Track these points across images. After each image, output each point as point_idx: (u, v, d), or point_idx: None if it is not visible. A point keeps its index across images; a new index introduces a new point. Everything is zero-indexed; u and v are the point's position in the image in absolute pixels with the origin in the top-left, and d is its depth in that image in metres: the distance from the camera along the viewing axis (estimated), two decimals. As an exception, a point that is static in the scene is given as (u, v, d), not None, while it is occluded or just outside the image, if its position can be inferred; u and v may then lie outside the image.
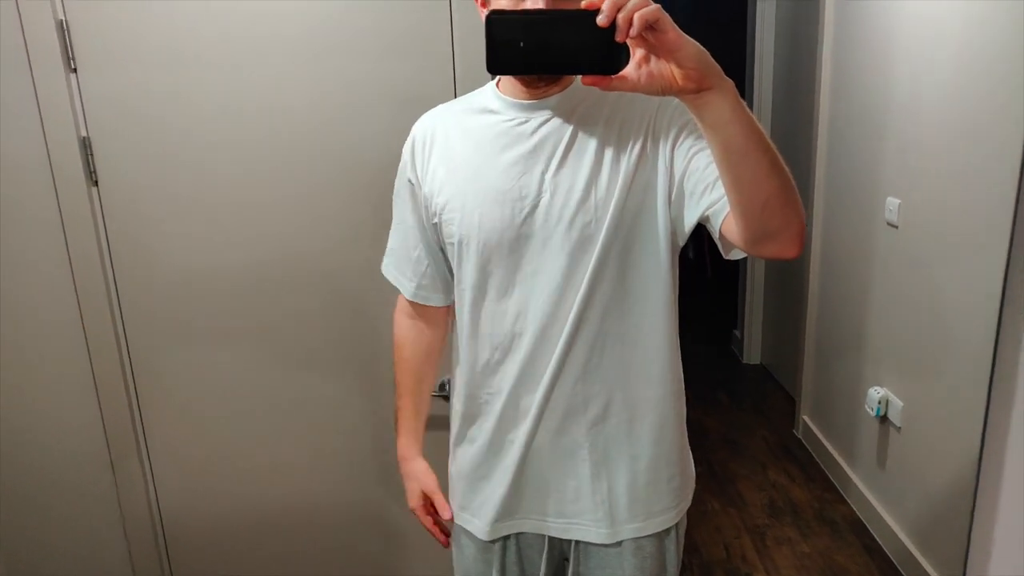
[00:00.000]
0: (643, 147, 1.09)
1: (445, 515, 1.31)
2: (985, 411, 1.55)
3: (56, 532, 1.77)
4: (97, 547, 1.79)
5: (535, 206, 1.10)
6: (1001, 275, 1.56)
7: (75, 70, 1.51)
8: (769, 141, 0.90)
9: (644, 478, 1.21)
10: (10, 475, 1.72)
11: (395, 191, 1.29)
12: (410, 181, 1.23)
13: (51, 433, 1.71)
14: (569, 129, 1.10)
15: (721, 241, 1.07)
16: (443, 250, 1.25)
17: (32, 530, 1.77)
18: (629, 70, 0.85)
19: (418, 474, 1.35)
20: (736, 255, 1.09)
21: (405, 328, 1.36)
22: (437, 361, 1.37)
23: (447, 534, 1.35)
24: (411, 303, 1.32)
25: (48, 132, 1.53)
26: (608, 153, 1.09)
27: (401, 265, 1.31)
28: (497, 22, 0.87)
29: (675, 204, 1.10)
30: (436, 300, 1.31)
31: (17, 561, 1.78)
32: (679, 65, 0.83)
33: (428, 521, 1.35)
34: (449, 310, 1.32)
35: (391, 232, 1.32)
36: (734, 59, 3.86)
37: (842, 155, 2.92)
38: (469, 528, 1.29)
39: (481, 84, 1.20)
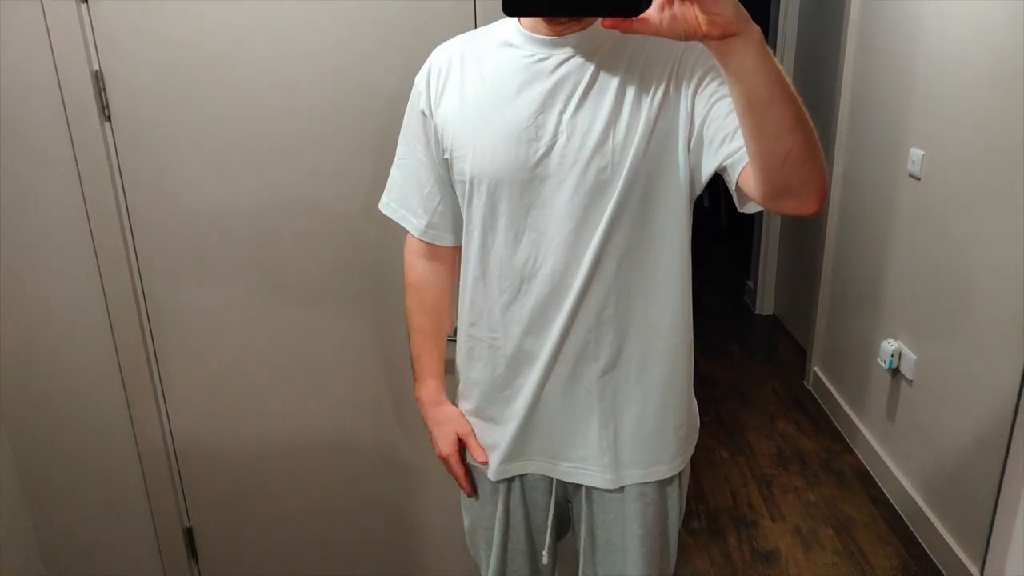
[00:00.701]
0: (666, 91, 1.06)
1: (480, 459, 1.28)
2: (1022, 377, 1.51)
3: (73, 468, 1.81)
4: (114, 482, 1.83)
5: (551, 147, 1.08)
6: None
7: (86, 1, 1.48)
8: (794, 92, 0.87)
9: (650, 425, 1.21)
10: (27, 412, 1.75)
11: (404, 124, 1.25)
12: (423, 112, 1.19)
13: (67, 371, 1.73)
14: (590, 69, 1.07)
15: (737, 193, 1.05)
16: (454, 188, 1.22)
17: (51, 467, 1.80)
18: (651, 12, 0.82)
19: (452, 417, 1.31)
20: (751, 208, 1.07)
21: (421, 269, 1.32)
22: (453, 303, 1.35)
23: (473, 484, 1.34)
24: (423, 243, 1.29)
25: (59, 65, 1.50)
26: (629, 96, 1.06)
27: (408, 201, 1.27)
28: None
29: (693, 151, 1.07)
30: (447, 239, 1.28)
31: (38, 497, 1.82)
32: (703, 9, 0.79)
33: (461, 470, 1.31)
34: (458, 251, 1.29)
35: (394, 168, 1.28)
36: (759, 4, 3.75)
37: (866, 104, 2.86)
38: (477, 468, 1.30)
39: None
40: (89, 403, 1.76)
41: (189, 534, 1.89)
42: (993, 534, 1.59)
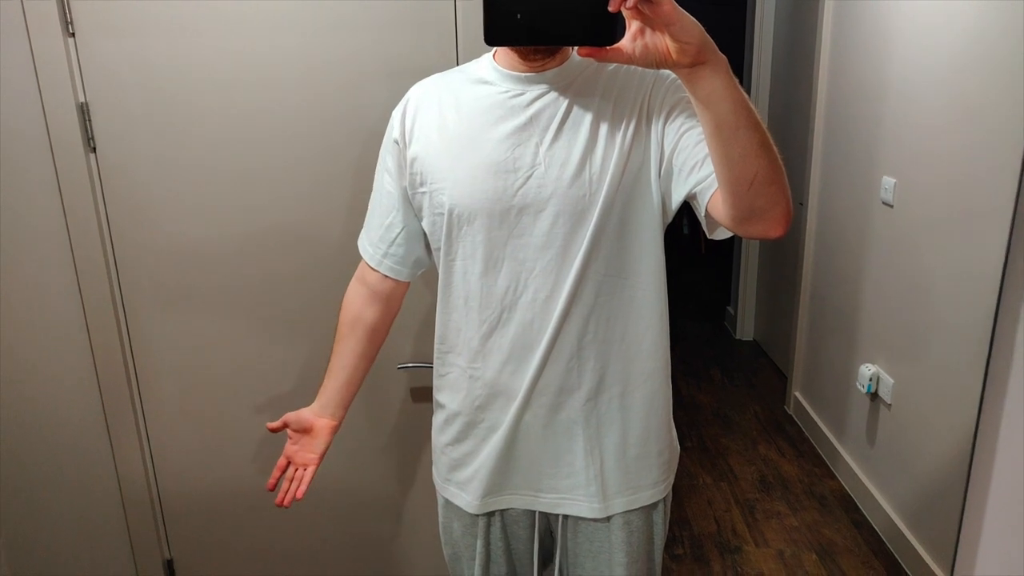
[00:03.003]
0: (638, 123, 1.09)
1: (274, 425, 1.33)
2: (981, 392, 1.56)
3: (53, 498, 1.79)
4: (94, 512, 1.80)
5: (528, 178, 1.10)
6: (1002, 253, 1.57)
7: (73, 34, 1.50)
8: (759, 120, 0.91)
9: (634, 451, 1.22)
10: (6, 441, 1.73)
11: (380, 159, 1.27)
12: (396, 142, 1.20)
13: (48, 399, 1.71)
14: (564, 103, 1.10)
15: (706, 220, 1.08)
16: (420, 221, 1.23)
17: (29, 497, 1.78)
18: (624, 42, 0.86)
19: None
20: (720, 234, 1.10)
21: (364, 298, 1.32)
22: (382, 342, 1.37)
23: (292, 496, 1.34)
24: (376, 273, 1.30)
25: (46, 97, 1.52)
26: (603, 128, 1.09)
27: (371, 232, 1.29)
28: None
29: (663, 180, 1.11)
30: (401, 274, 1.30)
31: (15, 528, 1.80)
32: (674, 38, 0.83)
33: (283, 461, 1.35)
34: (407, 289, 1.33)
35: (370, 203, 1.30)
36: (734, 37, 3.85)
37: (839, 133, 2.93)
38: (456, 502, 1.29)
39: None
40: (70, 433, 1.74)
41: (170, 566, 1.87)
42: (960, 545, 1.62)
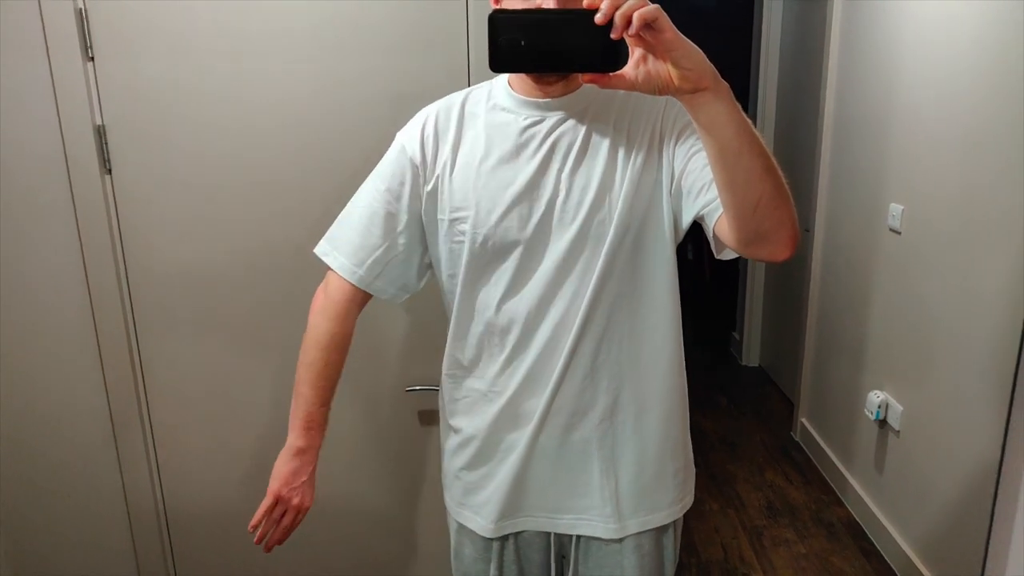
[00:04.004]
0: (650, 147, 1.11)
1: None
2: (1006, 423, 1.54)
3: (59, 515, 1.78)
4: (100, 529, 1.79)
5: (551, 204, 1.12)
6: (1007, 279, 1.57)
7: (92, 58, 1.52)
8: (763, 145, 0.92)
9: (651, 471, 1.23)
10: (15, 458, 1.73)
11: (375, 174, 1.23)
12: (413, 163, 1.17)
13: (58, 419, 1.71)
14: (583, 129, 1.12)
15: (714, 240, 1.09)
16: (431, 247, 1.21)
17: (35, 513, 1.77)
18: (627, 69, 0.88)
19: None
20: (728, 255, 1.11)
21: (340, 316, 1.25)
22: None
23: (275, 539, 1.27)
24: (358, 291, 1.23)
25: (64, 120, 1.53)
26: (620, 153, 1.11)
27: (357, 252, 1.22)
28: (499, 21, 0.90)
29: (674, 201, 1.12)
30: (387, 293, 1.25)
31: (20, 544, 1.79)
32: (676, 65, 0.85)
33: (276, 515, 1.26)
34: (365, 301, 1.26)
35: (346, 211, 1.25)
36: (740, 62, 3.87)
37: (846, 160, 2.94)
38: (470, 526, 1.28)
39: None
40: (78, 450, 1.74)
41: (175, 589, 1.86)
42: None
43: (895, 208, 2.49)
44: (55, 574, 1.81)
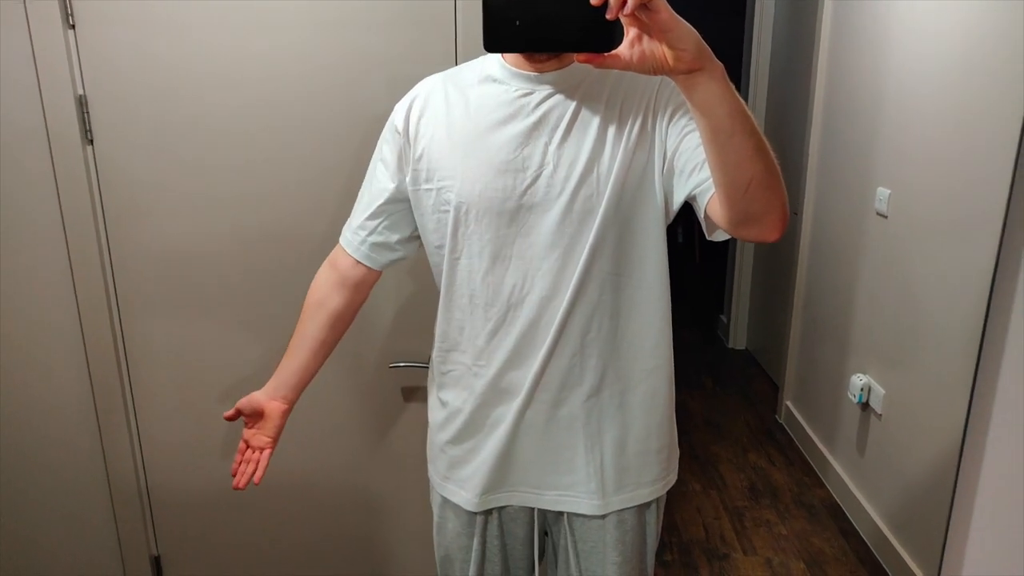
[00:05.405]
0: (643, 124, 1.11)
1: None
2: (968, 402, 1.57)
3: (40, 489, 1.78)
4: (82, 508, 1.80)
5: (537, 177, 1.11)
6: (991, 265, 1.58)
7: (73, 26, 1.50)
8: (756, 126, 0.92)
9: (634, 448, 1.23)
10: (-3, 433, 1.73)
11: (377, 148, 1.26)
12: (399, 132, 1.20)
13: (38, 392, 1.71)
14: (572, 104, 1.11)
15: (705, 221, 1.10)
16: (417, 217, 1.23)
17: (16, 491, 1.77)
18: (622, 49, 0.87)
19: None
20: (719, 236, 1.12)
21: (332, 284, 1.30)
22: (344, 331, 1.34)
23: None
24: (349, 258, 1.29)
25: (44, 89, 1.52)
26: (611, 130, 1.11)
27: (354, 218, 1.28)
28: (493, 0, 0.89)
29: (665, 180, 1.12)
30: (376, 263, 1.29)
31: (2, 522, 1.79)
32: (670, 46, 0.85)
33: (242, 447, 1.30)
34: (376, 280, 1.31)
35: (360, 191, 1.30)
36: (732, 45, 3.86)
37: (835, 144, 2.94)
38: (454, 500, 1.29)
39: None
40: (60, 427, 1.74)
41: (157, 562, 1.86)
42: (946, 550, 1.63)
43: (882, 192, 2.49)
44: (36, 549, 1.81)
